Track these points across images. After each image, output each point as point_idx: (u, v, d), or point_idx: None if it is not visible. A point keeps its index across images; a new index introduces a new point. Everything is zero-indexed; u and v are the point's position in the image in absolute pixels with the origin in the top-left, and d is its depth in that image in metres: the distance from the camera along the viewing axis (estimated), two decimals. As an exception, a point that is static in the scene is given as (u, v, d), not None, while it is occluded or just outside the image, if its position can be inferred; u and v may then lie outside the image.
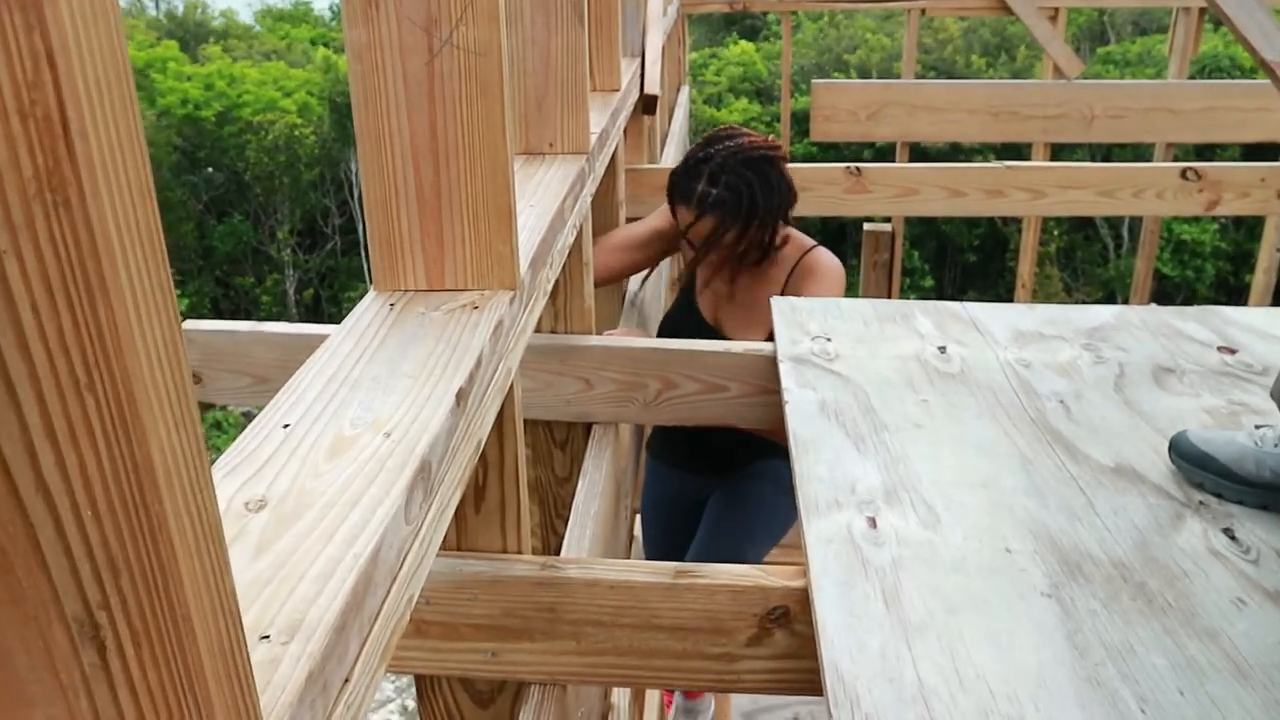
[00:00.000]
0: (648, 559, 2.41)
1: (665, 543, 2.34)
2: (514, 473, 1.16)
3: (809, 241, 2.14)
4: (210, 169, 18.76)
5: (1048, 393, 1.50)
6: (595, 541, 1.61)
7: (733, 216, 1.95)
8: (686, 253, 2.16)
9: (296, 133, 18.18)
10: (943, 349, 1.66)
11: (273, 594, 0.60)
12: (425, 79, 0.98)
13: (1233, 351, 1.63)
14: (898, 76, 5.55)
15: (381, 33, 0.97)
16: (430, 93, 0.99)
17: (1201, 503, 1.20)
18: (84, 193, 0.34)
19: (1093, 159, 13.16)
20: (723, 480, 2.20)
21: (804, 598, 1.12)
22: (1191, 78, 5.66)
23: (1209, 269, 14.77)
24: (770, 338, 1.98)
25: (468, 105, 0.99)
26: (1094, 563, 1.09)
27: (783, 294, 2.05)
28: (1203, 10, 5.06)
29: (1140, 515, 1.18)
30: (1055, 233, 15.74)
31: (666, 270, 3.44)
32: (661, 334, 2.21)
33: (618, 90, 2.17)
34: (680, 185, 2.01)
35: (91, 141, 0.34)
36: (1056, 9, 5.29)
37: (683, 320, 2.18)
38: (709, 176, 1.95)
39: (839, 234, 16.29)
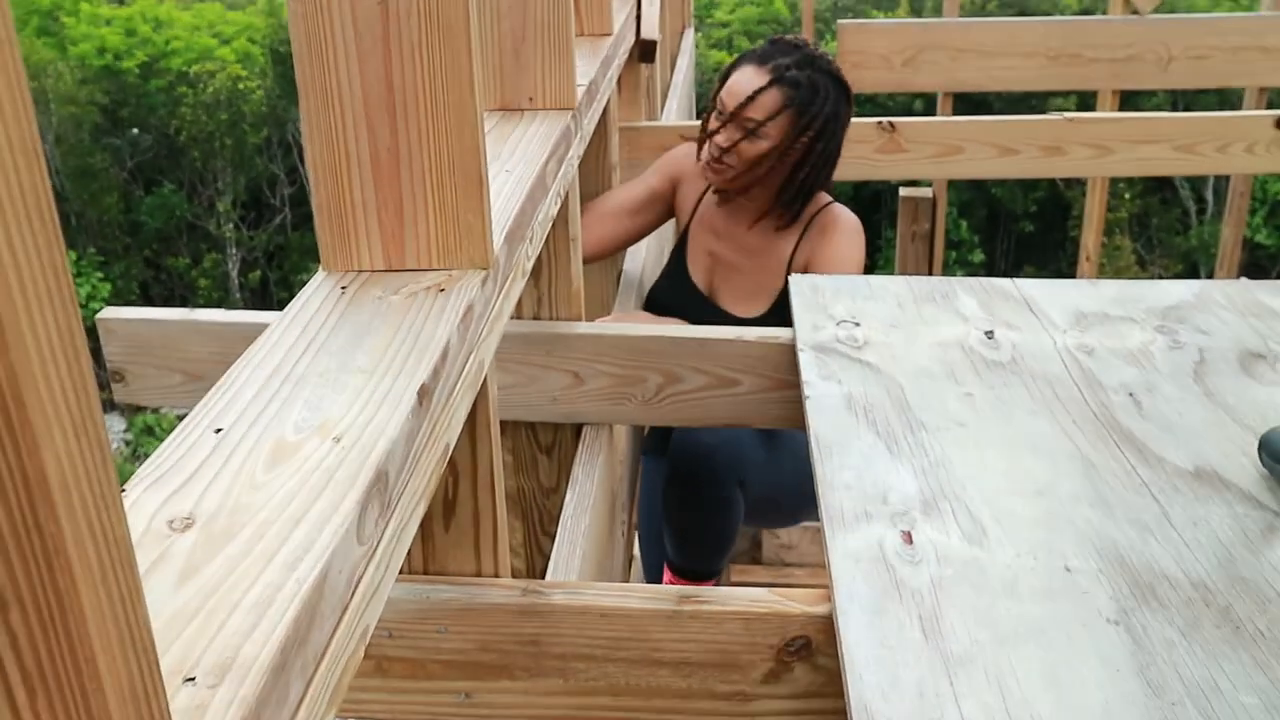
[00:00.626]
0: (648, 577, 2.40)
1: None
2: (489, 482, 1.16)
3: (824, 197, 2.17)
4: (136, 130, 18.71)
5: (1115, 384, 1.50)
6: (586, 562, 1.61)
7: (802, 110, 1.99)
8: (686, 206, 2.17)
9: (240, 86, 18.13)
10: (990, 334, 1.66)
11: (199, 628, 0.59)
12: (379, 21, 0.98)
13: (1333, 333, 1.62)
14: (942, 15, 5.54)
15: (326, -34, 0.96)
16: (385, 37, 0.98)
17: (1297, 512, 1.20)
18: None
19: (1171, 108, 13.13)
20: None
21: (828, 626, 1.12)
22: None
23: (1307, 237, 14.77)
24: (773, 310, 2.00)
25: (429, 52, 0.99)
26: (1170, 584, 1.09)
27: (792, 259, 2.08)
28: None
29: (1225, 528, 1.18)
30: (1126, 196, 15.72)
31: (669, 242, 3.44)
32: (648, 307, 2.23)
33: (609, 35, 2.16)
34: (752, 54, 2.06)
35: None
36: (1125, -69, 5.27)
37: (672, 289, 2.20)
38: (796, 58, 2.02)
39: (872, 201, 16.30)
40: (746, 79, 2.02)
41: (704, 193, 2.21)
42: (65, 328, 0.39)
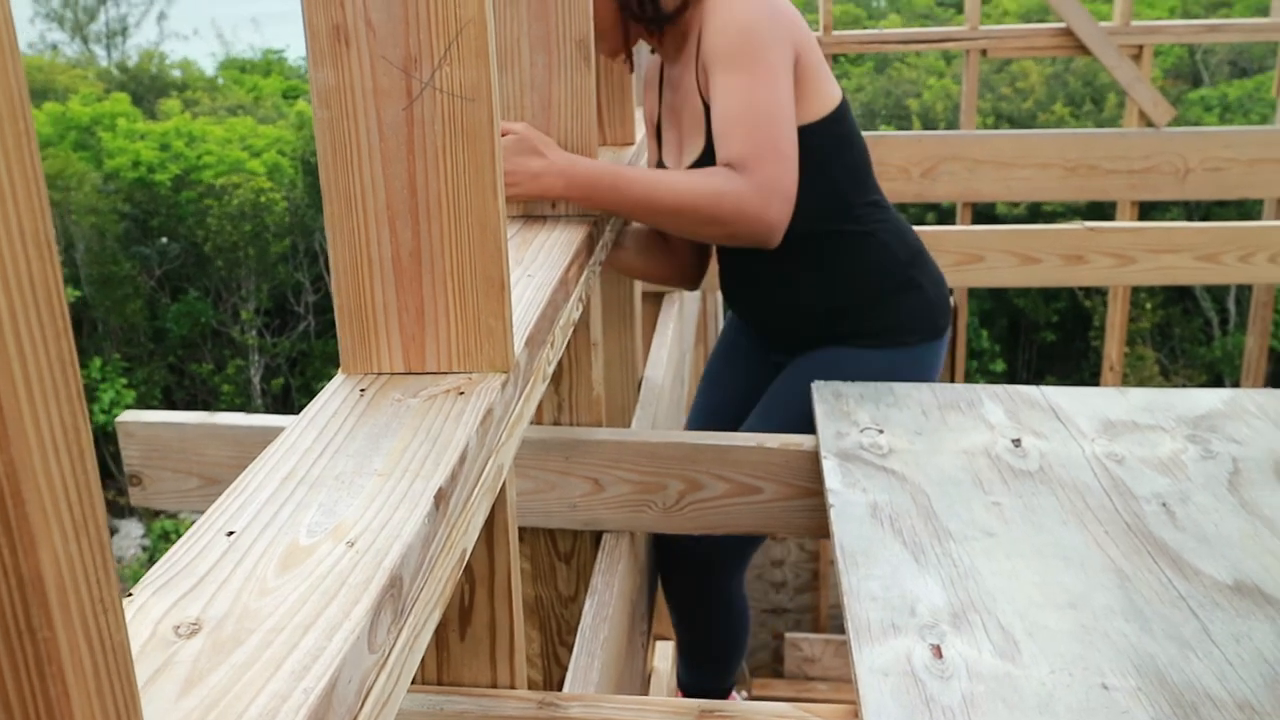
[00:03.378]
0: (690, 418, 2.32)
1: (719, 395, 2.26)
2: (506, 590, 1.14)
3: None
4: (165, 239, 19.09)
5: (1146, 494, 1.47)
6: (605, 674, 1.57)
7: None
8: (653, 105, 2.08)
9: (264, 198, 18.52)
10: (1017, 442, 1.64)
11: (202, 741, 0.57)
12: (403, 127, 0.99)
13: (1369, 443, 1.60)
14: (960, 128, 5.62)
15: (353, 74, 0.98)
16: (409, 143, 0.99)
17: (1341, 627, 1.16)
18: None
19: (1189, 219, 13.24)
20: (804, 354, 2.04)
21: (857, 744, 1.09)
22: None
23: (1331, 348, 14.72)
24: (707, 140, 1.83)
25: (452, 157, 1.00)
26: (1214, 704, 1.05)
27: (698, 66, 1.83)
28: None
29: (1269, 644, 1.14)
30: (1147, 306, 15.75)
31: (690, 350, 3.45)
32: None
33: (632, 144, 2.19)
34: None
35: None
36: (1140, 47, 5.36)
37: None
38: None
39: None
40: None
41: (660, 72, 2.04)
42: (70, 423, 0.38)
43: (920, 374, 1.94)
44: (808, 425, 1.80)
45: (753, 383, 2.11)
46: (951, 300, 4.20)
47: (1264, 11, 5.79)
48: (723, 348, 2.27)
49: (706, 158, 1.82)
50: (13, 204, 0.34)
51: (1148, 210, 5.07)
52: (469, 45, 0.97)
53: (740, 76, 1.70)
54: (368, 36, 0.97)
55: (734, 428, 2.04)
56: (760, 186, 1.65)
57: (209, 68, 25.65)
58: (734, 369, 2.21)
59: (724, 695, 2.23)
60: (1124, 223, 3.87)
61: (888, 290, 1.93)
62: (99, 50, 26.74)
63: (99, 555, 0.40)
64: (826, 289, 1.93)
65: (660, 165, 2.05)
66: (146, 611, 0.68)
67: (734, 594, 2.10)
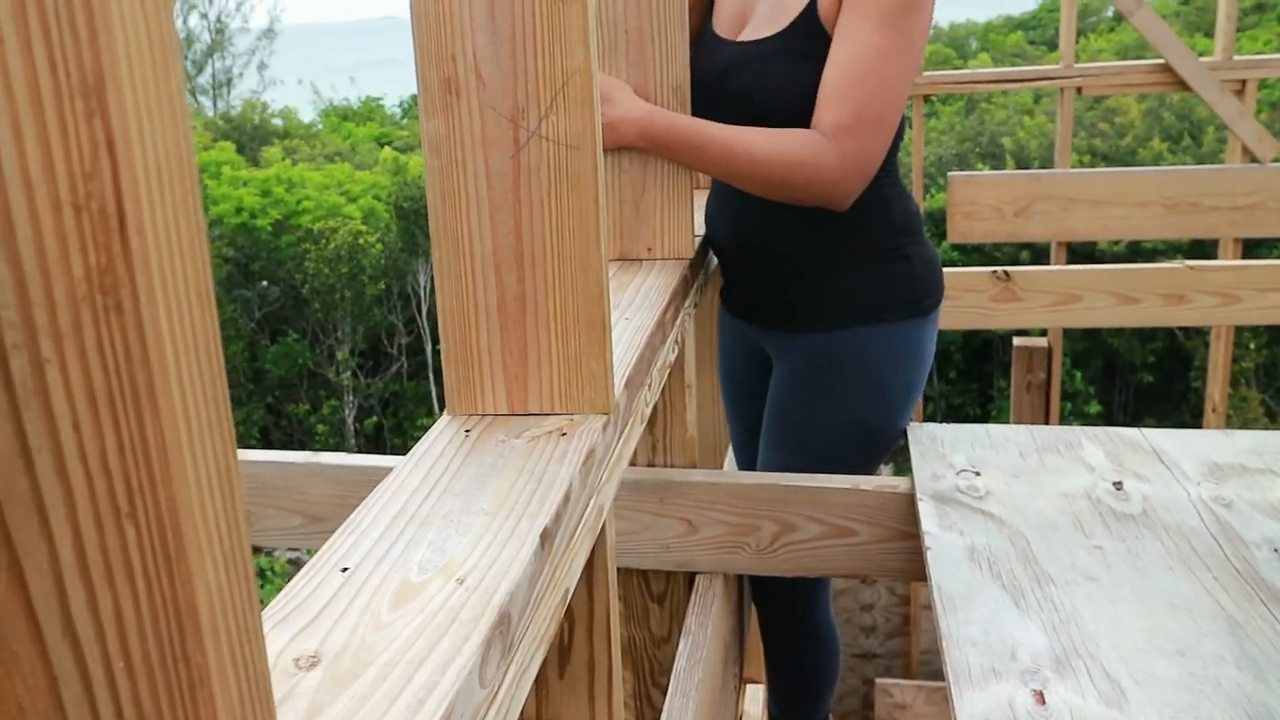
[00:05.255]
0: (735, 452, 2.20)
1: (741, 426, 2.15)
2: (605, 630, 1.14)
3: None
4: (265, 283, 19.58)
5: (1257, 539, 1.44)
6: (699, 716, 1.57)
7: None
8: None
9: (361, 241, 18.92)
10: (1119, 485, 1.61)
11: (326, 769, 0.59)
12: (510, 175, 1.01)
13: None
14: (1053, 166, 5.56)
15: (462, 124, 1.01)
16: (515, 190, 1.02)
17: None
18: (138, 296, 0.35)
19: (1293, 259, 12.87)
20: (783, 337, 1.90)
21: (959, 791, 1.07)
22: None
23: None
24: (799, 20, 1.68)
25: (557, 204, 1.01)
26: (1329, 753, 1.02)
27: None
28: None
29: (1385, 694, 1.10)
30: (1251, 346, 15.28)
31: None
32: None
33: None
34: None
35: (149, 239, 0.35)
36: (1244, 81, 5.24)
37: (693, 63, 1.78)
38: None
39: (984, 350, 16.13)
40: None
41: None
42: (223, 462, 0.40)
43: (905, 352, 1.82)
44: (838, 455, 1.81)
45: (761, 402, 2.01)
46: (1046, 341, 4.14)
47: (1370, 44, 5.62)
48: (728, 381, 2.15)
49: (769, 43, 1.69)
50: (180, 257, 0.37)
51: (1252, 248, 4.95)
52: (575, 95, 1.00)
53: (884, 34, 1.57)
54: (478, 88, 1.00)
55: None
56: (844, 159, 1.59)
57: (309, 115, 26.36)
58: (748, 399, 2.09)
59: None
60: (1227, 261, 3.78)
61: (876, 251, 1.79)
62: (205, 101, 27.66)
63: (245, 586, 0.42)
64: (825, 220, 1.74)
65: (707, 20, 1.88)
66: (269, 644, 0.71)
67: (822, 617, 2.08)
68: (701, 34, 1.85)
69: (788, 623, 2.08)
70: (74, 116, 0.34)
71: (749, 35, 1.74)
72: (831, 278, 1.80)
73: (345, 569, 0.81)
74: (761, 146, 1.61)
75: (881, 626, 4.51)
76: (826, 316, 1.81)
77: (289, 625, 0.74)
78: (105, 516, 0.37)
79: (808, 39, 1.65)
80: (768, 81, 1.68)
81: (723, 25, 1.82)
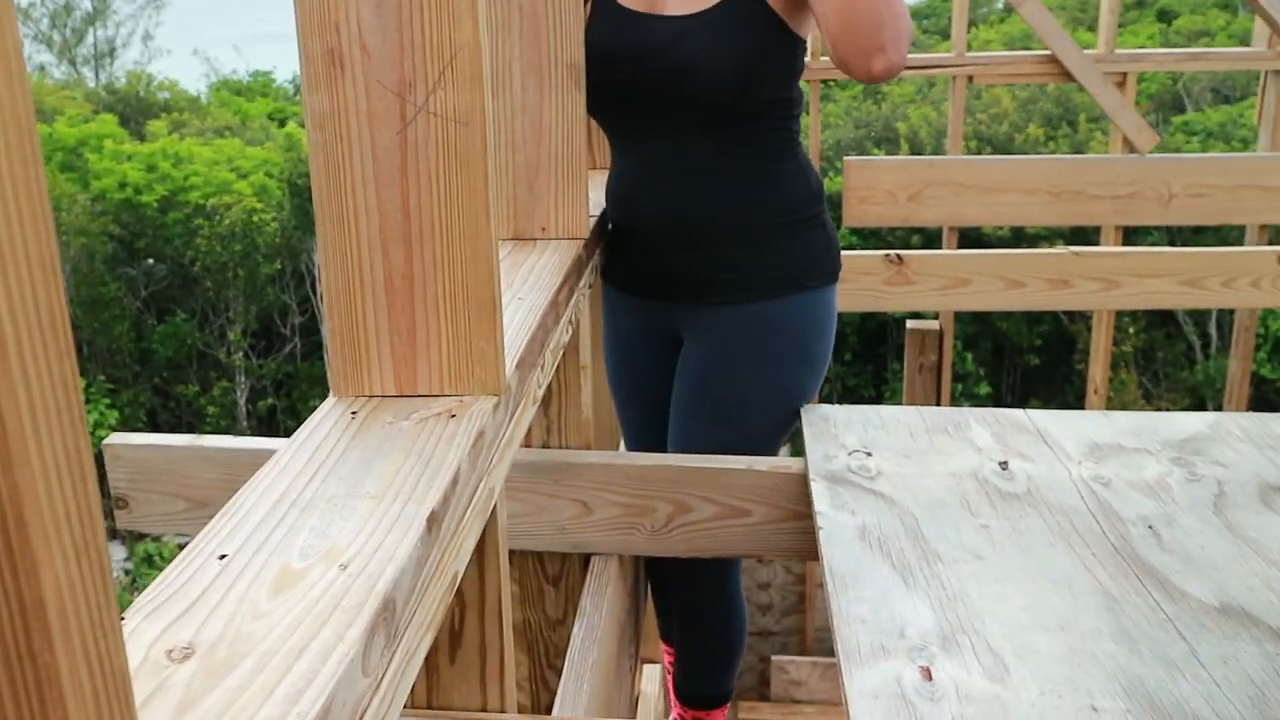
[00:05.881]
0: (625, 435, 2.16)
1: (639, 410, 2.09)
2: (497, 613, 1.13)
3: None
4: (151, 260, 19.02)
5: (1133, 516, 1.48)
6: (594, 697, 1.56)
7: None
8: None
9: (255, 219, 18.48)
10: (1004, 465, 1.64)
11: (196, 766, 0.57)
12: (397, 150, 0.99)
13: (1352, 466, 1.61)
14: (945, 153, 5.66)
15: (347, 98, 0.98)
16: (403, 166, 1.00)
17: (1327, 649, 1.17)
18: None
19: (1172, 244, 13.32)
20: (700, 311, 1.88)
21: (848, 768, 1.08)
22: (1282, 151, 5.74)
23: (1314, 372, 14.81)
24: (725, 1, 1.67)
25: (446, 181, 1.00)
26: (1200, 724, 1.05)
27: None
28: (1294, 75, 5.16)
29: (1256, 666, 1.14)
30: (1130, 330, 15.83)
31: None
32: (589, 60, 1.74)
33: (621, 167, 2.19)
34: None
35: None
36: (1125, 74, 5.39)
37: (604, 28, 1.78)
38: None
39: (878, 333, 16.43)
40: None
41: None
42: (72, 446, 0.38)
43: (827, 318, 1.87)
44: (759, 425, 1.82)
45: (666, 378, 1.99)
46: (938, 324, 4.22)
47: (1245, 41, 5.85)
48: (625, 361, 2.08)
49: (711, 14, 1.68)
50: (19, 227, 0.35)
51: (1131, 235, 5.10)
52: (463, 70, 0.98)
53: None
54: (363, 61, 0.98)
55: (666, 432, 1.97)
56: (906, 34, 1.55)
57: (196, 89, 25.64)
58: (652, 376, 2.03)
59: (728, 697, 2.23)
60: (1109, 248, 3.89)
61: (802, 216, 1.82)
62: (87, 72, 26.71)
63: (99, 579, 0.39)
64: (756, 188, 1.78)
65: None
66: (139, 636, 0.68)
67: (734, 594, 2.10)
68: (601, 8, 1.81)
69: (702, 600, 2.09)
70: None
71: (679, 10, 1.72)
72: (763, 249, 1.81)
73: (223, 556, 0.78)
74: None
75: (778, 604, 4.57)
76: (759, 287, 1.82)
77: (161, 615, 0.71)
78: (-59, 506, 0.34)
79: (751, 7, 1.66)
80: (715, 51, 1.68)
81: None
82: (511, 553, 1.74)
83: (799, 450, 1.80)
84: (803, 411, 1.85)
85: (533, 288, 1.41)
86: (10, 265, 0.34)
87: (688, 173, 1.79)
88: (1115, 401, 14.56)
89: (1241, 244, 4.91)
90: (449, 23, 0.96)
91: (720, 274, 1.83)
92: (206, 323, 19.18)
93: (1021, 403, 15.96)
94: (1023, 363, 16.96)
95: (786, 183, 1.81)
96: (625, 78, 1.74)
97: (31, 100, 0.35)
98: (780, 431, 1.89)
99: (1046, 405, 15.44)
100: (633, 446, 2.13)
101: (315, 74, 0.98)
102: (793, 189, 1.82)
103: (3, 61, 0.34)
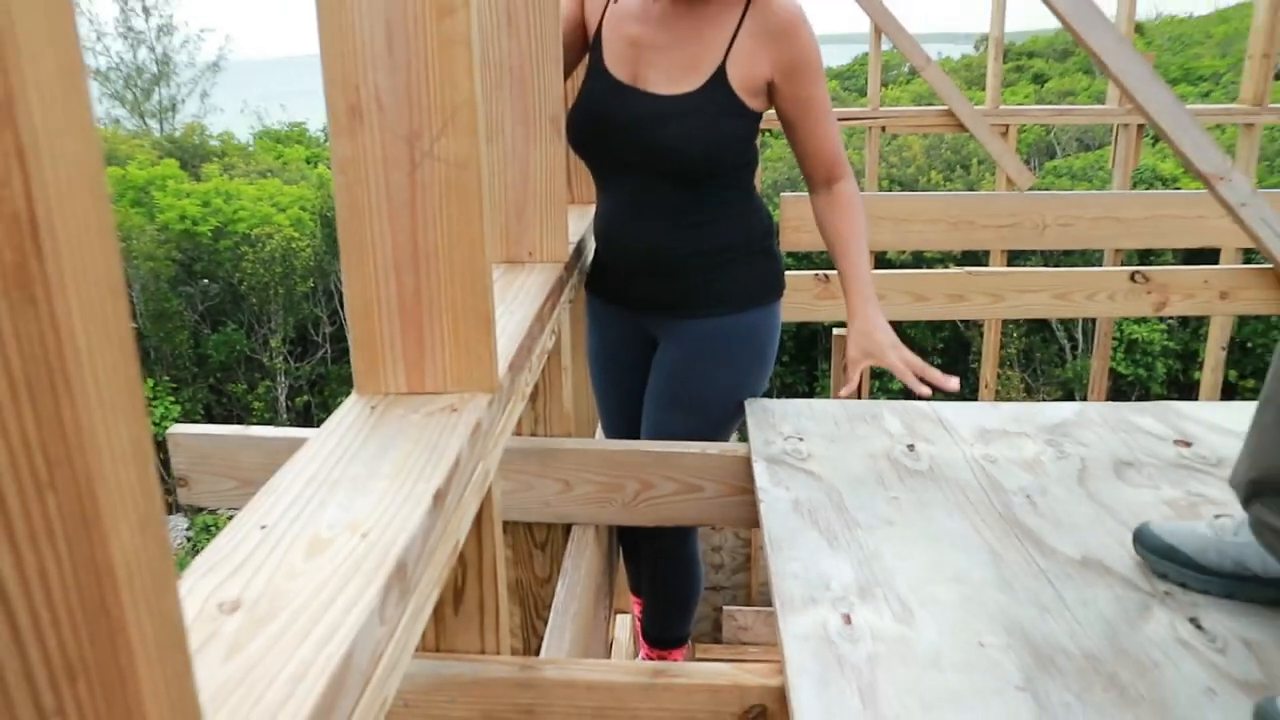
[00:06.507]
0: (603, 421, 2.15)
1: (617, 402, 2.07)
2: (492, 573, 1.13)
3: None
4: (206, 280, 18.83)
5: (1014, 488, 1.49)
6: (575, 642, 1.56)
7: None
8: (596, 11, 1.82)
9: (292, 245, 18.33)
10: (911, 447, 1.65)
11: (242, 698, 0.57)
12: (407, 189, 0.99)
13: (1188, 445, 1.63)
14: (863, 190, 5.68)
15: (365, 146, 0.98)
16: (411, 203, 0.99)
17: (1167, 593, 1.19)
18: (50, 290, 0.33)
19: (1046, 265, 13.44)
20: (674, 321, 1.87)
21: (781, 696, 1.09)
22: (1132, 188, 5.82)
23: (1160, 367, 14.93)
24: (709, 85, 1.69)
25: (447, 215, 0.99)
26: (1066, 655, 1.06)
27: (732, 44, 1.69)
28: (1141, 127, 5.23)
29: (1108, 607, 1.16)
30: (1014, 335, 15.94)
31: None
32: (577, 121, 1.79)
33: (593, 203, 2.19)
34: None
35: (60, 239, 0.33)
36: (1007, 125, 5.45)
37: (593, 92, 1.79)
38: None
39: (810, 339, 16.46)
40: None
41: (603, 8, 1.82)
42: (135, 436, 0.38)
43: (774, 328, 1.88)
44: (720, 413, 1.83)
45: (641, 378, 1.97)
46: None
47: (1102, 100, 5.92)
48: (608, 362, 2.05)
49: (704, 94, 1.68)
50: (92, 258, 0.35)
51: (1014, 257, 5.14)
52: (462, 122, 0.98)
53: (822, 88, 1.73)
54: (378, 115, 0.97)
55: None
56: (852, 177, 1.81)
57: (244, 137, 25.33)
58: (630, 373, 2.01)
59: (687, 639, 2.22)
60: (995, 268, 3.92)
61: (757, 248, 1.83)
62: (153, 124, 26.42)
63: (159, 546, 0.39)
64: (721, 227, 1.78)
65: (595, 59, 1.81)
66: (195, 592, 0.68)
67: (692, 553, 2.10)
68: (594, 70, 1.80)
69: (665, 560, 2.09)
70: (-12, 130, 0.31)
71: (662, 89, 1.72)
72: (728, 272, 1.81)
73: (264, 526, 0.78)
74: (862, 233, 1.83)
75: (728, 564, 4.57)
76: (723, 303, 1.82)
77: (214, 575, 0.71)
78: (27, 486, 0.34)
79: (723, 97, 1.68)
80: (692, 135, 1.69)
81: (617, 67, 1.77)
82: (505, 523, 1.74)
83: (745, 437, 1.80)
84: (747, 404, 1.86)
85: (522, 303, 1.41)
86: (83, 288, 0.34)
87: (660, 214, 1.78)
88: (1002, 394, 14.68)
89: (1101, 265, 4.96)
90: (450, 85, 0.96)
91: (689, 294, 1.83)
92: (252, 332, 18.99)
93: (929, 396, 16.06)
94: (929, 362, 17.05)
95: (744, 220, 1.81)
96: (609, 141, 1.75)
97: (100, 149, 0.35)
98: (733, 419, 1.89)
99: (948, 398, 15.54)
100: (610, 430, 2.13)
101: (339, 125, 0.98)
102: (748, 225, 1.82)
103: (77, 119, 0.34)
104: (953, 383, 1.65)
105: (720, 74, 1.68)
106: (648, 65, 1.74)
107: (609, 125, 1.75)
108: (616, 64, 1.77)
